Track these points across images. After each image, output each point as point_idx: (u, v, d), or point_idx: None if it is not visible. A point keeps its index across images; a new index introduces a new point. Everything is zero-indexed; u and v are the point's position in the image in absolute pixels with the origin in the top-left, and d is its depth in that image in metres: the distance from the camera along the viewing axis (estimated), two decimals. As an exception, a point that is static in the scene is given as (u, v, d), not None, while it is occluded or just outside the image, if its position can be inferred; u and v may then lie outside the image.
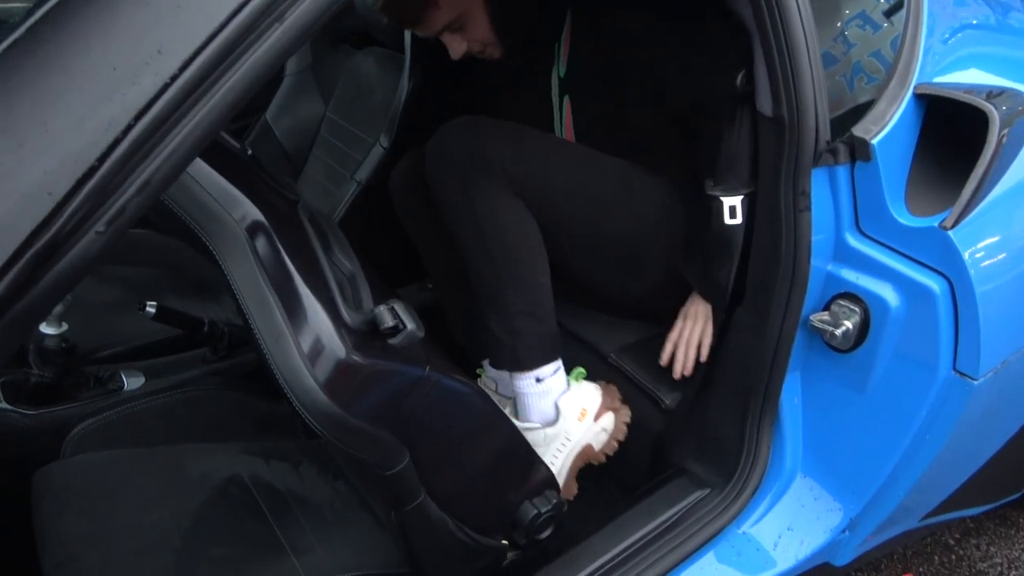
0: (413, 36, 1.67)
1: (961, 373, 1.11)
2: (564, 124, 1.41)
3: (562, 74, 1.39)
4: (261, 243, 0.75)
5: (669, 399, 1.34)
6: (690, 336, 1.31)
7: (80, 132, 0.46)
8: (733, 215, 1.14)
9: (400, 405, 0.88)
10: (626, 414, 1.35)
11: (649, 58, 1.25)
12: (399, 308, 0.83)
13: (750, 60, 1.07)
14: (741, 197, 1.14)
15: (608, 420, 1.33)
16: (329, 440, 0.81)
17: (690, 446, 1.33)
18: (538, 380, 1.28)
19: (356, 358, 0.78)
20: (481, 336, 1.30)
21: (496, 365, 1.31)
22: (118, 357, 1.47)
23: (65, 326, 1.29)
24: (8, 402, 1.25)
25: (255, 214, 0.75)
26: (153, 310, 1.36)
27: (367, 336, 0.81)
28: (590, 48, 1.34)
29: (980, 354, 1.09)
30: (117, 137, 0.46)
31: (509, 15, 1.28)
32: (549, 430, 1.29)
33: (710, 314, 1.27)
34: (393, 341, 0.82)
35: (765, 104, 1.06)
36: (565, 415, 1.29)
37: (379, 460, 0.89)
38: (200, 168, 0.73)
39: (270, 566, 1.11)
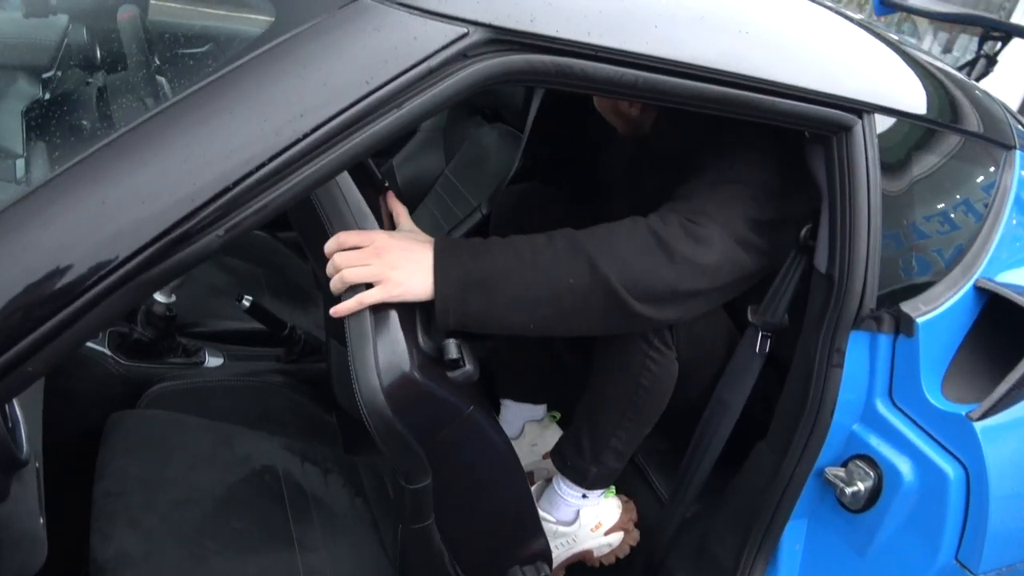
0: (536, 121, 1.83)
1: (962, 564, 1.12)
2: None
3: None
4: None
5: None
6: (349, 254, 0.92)
7: (227, 161, 0.62)
8: (762, 346, 1.22)
9: (438, 430, 0.97)
10: (634, 537, 1.43)
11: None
12: (465, 348, 0.94)
13: (816, 218, 1.16)
14: (770, 333, 1.22)
15: (616, 537, 1.41)
16: (374, 437, 0.90)
17: (687, 554, 1.37)
18: (584, 496, 1.37)
19: (416, 375, 0.88)
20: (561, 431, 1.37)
21: (559, 467, 1.35)
22: (208, 336, 1.66)
23: (174, 298, 1.49)
24: (110, 349, 1.45)
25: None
26: (248, 304, 1.55)
27: (431, 361, 0.92)
28: None
29: (984, 550, 1.10)
30: (252, 170, 0.62)
31: None
32: (561, 528, 1.38)
33: (420, 271, 0.94)
34: (451, 374, 0.93)
35: (821, 261, 1.14)
36: (582, 523, 1.38)
37: (408, 470, 0.97)
38: (346, 183, 0.90)
39: (275, 552, 1.23)
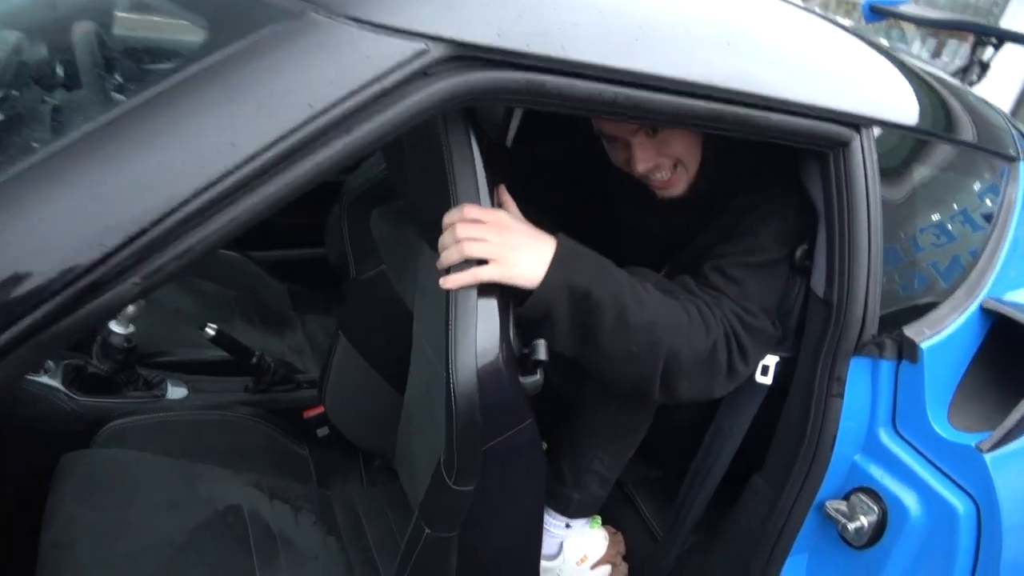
0: (516, 141, 1.75)
1: (974, 605, 1.05)
2: None
3: None
4: None
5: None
6: (472, 225, 0.89)
7: (142, 199, 0.53)
8: (765, 373, 1.14)
9: (502, 431, 0.93)
10: (622, 572, 1.36)
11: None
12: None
13: (812, 238, 1.09)
14: (776, 359, 1.14)
15: (603, 572, 1.34)
16: (451, 420, 0.87)
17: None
18: (567, 526, 1.30)
19: (503, 368, 0.87)
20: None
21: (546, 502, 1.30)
22: (171, 366, 1.57)
23: (132, 328, 1.41)
24: (63, 384, 1.36)
25: None
26: (212, 332, 1.46)
27: (514, 359, 0.90)
28: None
29: (998, 589, 1.03)
30: (172, 209, 0.54)
31: (728, 150, 1.11)
32: (544, 563, 1.30)
33: (538, 260, 0.93)
34: (525, 379, 0.91)
35: (819, 284, 1.07)
36: (566, 556, 1.31)
37: (463, 467, 0.92)
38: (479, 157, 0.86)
39: (239, 602, 1.15)
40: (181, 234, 0.55)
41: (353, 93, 0.63)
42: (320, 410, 1.58)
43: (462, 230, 0.87)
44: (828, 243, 1.04)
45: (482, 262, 0.88)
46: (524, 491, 1.04)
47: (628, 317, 0.96)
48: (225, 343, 1.50)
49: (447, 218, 0.89)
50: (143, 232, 0.53)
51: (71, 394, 1.35)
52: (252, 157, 0.57)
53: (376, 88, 0.64)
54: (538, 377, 0.92)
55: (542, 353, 0.92)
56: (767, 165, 1.13)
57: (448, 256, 0.89)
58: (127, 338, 1.40)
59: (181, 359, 1.59)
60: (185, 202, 0.55)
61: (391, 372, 1.41)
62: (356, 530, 1.41)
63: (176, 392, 1.49)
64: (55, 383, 1.35)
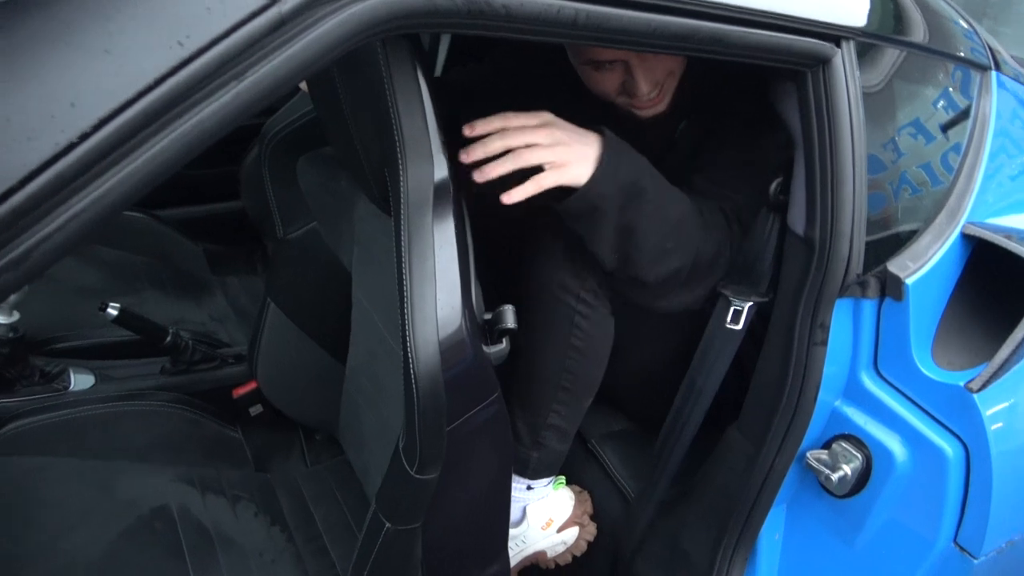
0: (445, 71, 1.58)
1: (961, 548, 1.00)
2: None
3: None
4: (442, 200, 0.77)
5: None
6: (522, 133, 0.88)
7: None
8: (736, 320, 1.05)
9: (468, 408, 0.86)
10: (591, 531, 1.28)
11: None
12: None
13: (789, 171, 0.98)
14: (750, 303, 1.05)
15: (571, 534, 1.26)
16: (412, 403, 0.80)
17: (658, 555, 1.23)
18: (528, 488, 1.21)
19: (467, 339, 0.80)
20: None
21: None
22: (72, 352, 1.39)
23: (16, 315, 1.21)
24: (-60, 387, 1.17)
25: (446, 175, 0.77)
26: (115, 312, 1.28)
27: (477, 328, 0.83)
28: None
29: (986, 532, 0.99)
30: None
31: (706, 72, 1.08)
32: (510, 530, 1.20)
33: (588, 157, 0.91)
34: (489, 349, 0.85)
35: (797, 222, 0.97)
36: (530, 522, 1.22)
37: (427, 454, 0.84)
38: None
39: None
40: (9, 239, 0.39)
41: (240, 24, 0.47)
42: (251, 386, 1.44)
43: (514, 139, 0.85)
44: (808, 174, 0.93)
45: (537, 170, 0.86)
46: (491, 466, 0.97)
47: (668, 211, 0.96)
48: (131, 322, 1.32)
49: (490, 124, 0.85)
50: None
51: (-51, 398, 1.17)
52: (102, 122, 0.41)
53: (272, 15, 0.48)
54: (504, 346, 0.87)
55: (510, 321, 0.86)
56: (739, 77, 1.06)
57: (499, 167, 0.85)
58: (12, 327, 1.21)
59: (84, 343, 1.41)
60: (7, 193, 0.39)
61: (328, 338, 1.30)
62: (303, 516, 1.29)
63: (81, 382, 1.31)
64: (-70, 388, 1.16)
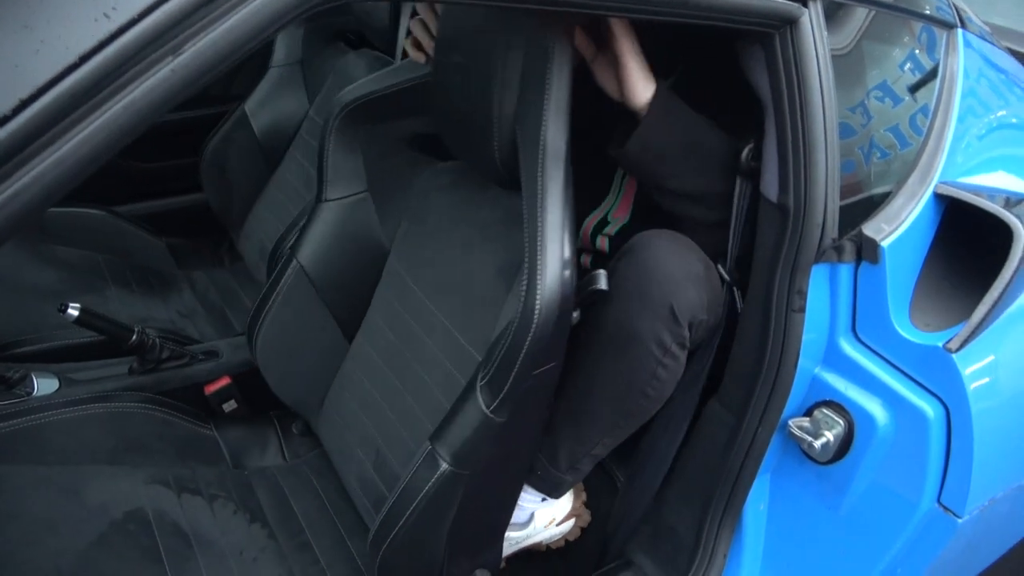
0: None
1: (945, 507, 1.01)
2: (621, 197, 1.21)
3: None
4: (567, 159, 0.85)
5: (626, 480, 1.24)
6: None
7: None
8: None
9: (542, 363, 0.89)
10: (585, 519, 1.29)
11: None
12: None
13: (760, 136, 0.96)
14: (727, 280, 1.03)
15: (568, 525, 1.27)
16: (517, 338, 0.84)
17: (644, 532, 1.22)
18: (543, 500, 1.19)
19: (570, 295, 0.85)
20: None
21: (529, 482, 1.16)
22: (34, 356, 1.34)
23: (-29, 321, 1.17)
24: None
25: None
26: (76, 312, 1.24)
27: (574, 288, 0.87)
28: None
29: (969, 490, 0.99)
30: None
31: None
32: (512, 533, 1.21)
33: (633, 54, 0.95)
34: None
35: (770, 188, 0.95)
36: (536, 524, 1.22)
37: (511, 393, 0.88)
38: None
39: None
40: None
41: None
42: (224, 382, 1.40)
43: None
44: (779, 140, 0.91)
45: None
46: (534, 431, 1.02)
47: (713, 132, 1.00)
48: (94, 323, 1.27)
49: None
50: None
51: (-95, 410, 1.12)
52: (23, 103, 0.38)
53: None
54: (578, 314, 0.91)
55: (603, 283, 0.91)
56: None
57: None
58: (-32, 334, 1.16)
59: (46, 346, 1.36)
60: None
61: (342, 313, 1.26)
62: (283, 511, 1.26)
63: (45, 386, 1.26)
64: None
